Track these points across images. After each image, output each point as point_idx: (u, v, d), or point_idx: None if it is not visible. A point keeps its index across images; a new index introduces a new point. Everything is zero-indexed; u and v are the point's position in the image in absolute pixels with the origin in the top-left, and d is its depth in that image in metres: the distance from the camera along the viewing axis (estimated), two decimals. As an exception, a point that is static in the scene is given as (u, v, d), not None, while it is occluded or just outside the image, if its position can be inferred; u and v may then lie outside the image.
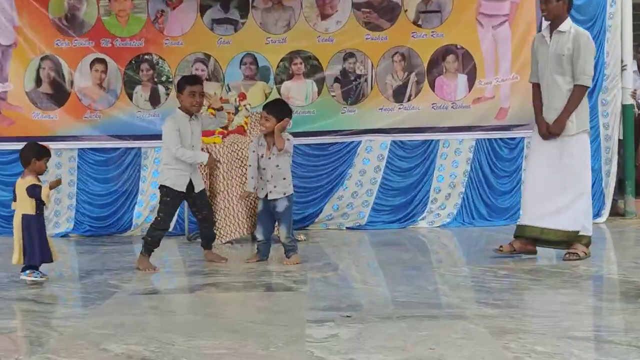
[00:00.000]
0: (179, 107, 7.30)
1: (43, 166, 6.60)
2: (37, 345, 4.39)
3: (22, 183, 6.43)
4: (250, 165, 7.26)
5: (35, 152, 6.55)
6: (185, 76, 8.05)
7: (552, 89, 7.24)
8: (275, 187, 7.09)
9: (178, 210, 7.70)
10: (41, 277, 6.41)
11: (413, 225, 9.77)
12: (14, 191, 6.52)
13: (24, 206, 6.40)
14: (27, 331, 4.74)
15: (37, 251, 6.41)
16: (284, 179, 7.13)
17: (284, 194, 7.12)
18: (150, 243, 7.05)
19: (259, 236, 7.28)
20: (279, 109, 7.16)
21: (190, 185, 7.19)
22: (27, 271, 6.39)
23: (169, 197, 7.14)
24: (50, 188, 6.48)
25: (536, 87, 7.49)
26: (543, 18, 8.13)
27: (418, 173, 9.87)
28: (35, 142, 6.97)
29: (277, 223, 7.32)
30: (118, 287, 6.18)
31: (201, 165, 7.72)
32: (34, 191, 6.36)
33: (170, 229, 7.59)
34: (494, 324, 4.63)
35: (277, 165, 7.09)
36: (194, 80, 7.52)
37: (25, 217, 6.38)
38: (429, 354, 4.04)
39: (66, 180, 9.65)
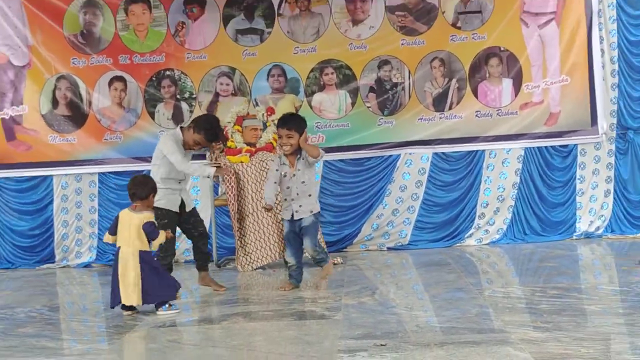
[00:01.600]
0: (181, 135, 7.40)
1: (153, 202, 6.68)
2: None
3: (139, 218, 6.43)
4: (274, 182, 7.24)
5: (152, 187, 6.63)
6: (212, 125, 7.51)
7: None
8: (300, 206, 7.13)
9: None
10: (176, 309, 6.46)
11: (460, 244, 9.72)
12: (116, 223, 6.51)
13: (139, 242, 6.40)
14: (41, 370, 4.80)
15: (167, 285, 6.49)
16: (310, 195, 7.17)
17: (311, 211, 7.15)
18: (167, 269, 7.16)
19: (290, 260, 7.30)
20: (298, 122, 7.23)
21: (182, 204, 7.36)
22: (165, 306, 6.41)
23: (167, 219, 7.20)
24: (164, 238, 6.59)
25: None
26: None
27: (463, 187, 9.83)
28: (149, 175, 7.09)
29: (302, 237, 7.30)
30: (139, 319, 6.21)
31: (232, 176, 7.91)
32: (153, 230, 6.43)
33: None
34: (540, 349, 4.58)
35: (303, 182, 7.13)
36: (214, 137, 7.53)
37: (142, 254, 6.40)
38: (468, 384, 4.00)
39: (87, 207, 9.78)
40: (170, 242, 7.22)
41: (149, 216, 6.48)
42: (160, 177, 7.24)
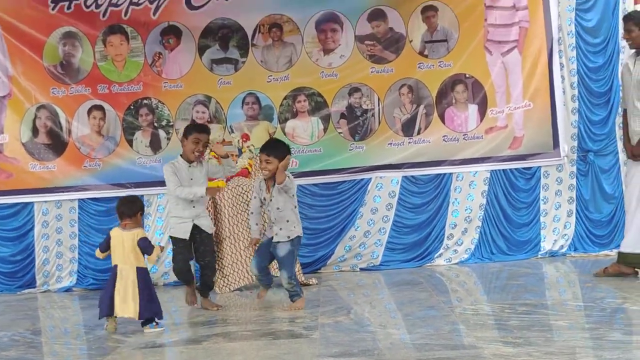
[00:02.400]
0: (181, 154, 7.55)
1: (141, 220, 6.76)
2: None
3: (131, 235, 6.50)
4: (252, 213, 7.35)
5: (140, 206, 6.74)
6: (193, 123, 8.14)
7: (634, 114, 7.74)
8: (280, 229, 7.12)
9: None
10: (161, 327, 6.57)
11: (430, 264, 9.73)
12: (107, 240, 6.58)
13: (136, 260, 6.49)
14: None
15: (157, 302, 6.58)
16: (287, 221, 7.13)
17: (288, 237, 7.13)
18: (184, 281, 7.53)
19: (253, 270, 7.37)
20: (278, 149, 7.21)
21: (196, 228, 7.39)
22: (153, 324, 6.51)
23: (177, 246, 7.41)
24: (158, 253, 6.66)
25: (624, 114, 7.98)
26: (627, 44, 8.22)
27: (432, 208, 9.86)
28: (136, 195, 7.28)
29: (278, 267, 7.33)
30: (121, 341, 6.16)
31: (210, 201, 7.89)
32: (148, 246, 6.50)
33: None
34: (512, 364, 4.58)
35: (278, 208, 7.11)
36: (202, 128, 7.72)
37: (140, 271, 6.49)
38: (445, 398, 4.00)
39: (67, 232, 9.71)
40: (180, 266, 7.46)
41: (141, 232, 6.56)
42: (173, 205, 7.45)
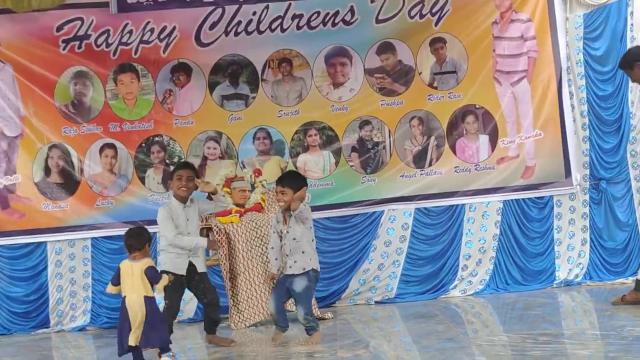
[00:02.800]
0: (174, 195, 7.54)
1: (149, 251, 6.74)
2: None
3: (139, 265, 6.49)
4: (272, 247, 7.30)
5: (148, 238, 6.70)
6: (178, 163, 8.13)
7: None
8: (295, 262, 7.10)
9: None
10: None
11: (444, 295, 9.68)
12: (118, 274, 6.55)
13: (143, 288, 6.46)
14: None
15: (164, 332, 6.56)
16: (303, 252, 7.10)
17: (304, 269, 7.09)
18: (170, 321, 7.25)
19: (270, 308, 7.26)
20: (293, 180, 7.22)
21: (191, 267, 7.35)
22: (170, 353, 6.53)
23: (171, 284, 7.10)
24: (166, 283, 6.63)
25: None
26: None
27: (445, 240, 9.82)
28: (143, 226, 7.15)
29: (295, 302, 7.27)
30: (140, 380, 6.11)
31: (223, 237, 7.90)
32: (156, 274, 6.51)
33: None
34: (539, 395, 4.53)
35: (294, 238, 7.09)
36: (182, 165, 7.82)
37: (148, 299, 6.46)
38: None
39: (80, 271, 9.68)
40: (174, 304, 7.28)
41: (149, 262, 6.55)
42: (166, 243, 7.37)
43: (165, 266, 7.28)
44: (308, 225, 7.17)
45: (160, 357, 6.51)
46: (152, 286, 6.50)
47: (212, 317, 7.55)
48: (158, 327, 6.50)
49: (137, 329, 6.38)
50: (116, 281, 6.58)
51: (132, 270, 6.50)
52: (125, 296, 6.49)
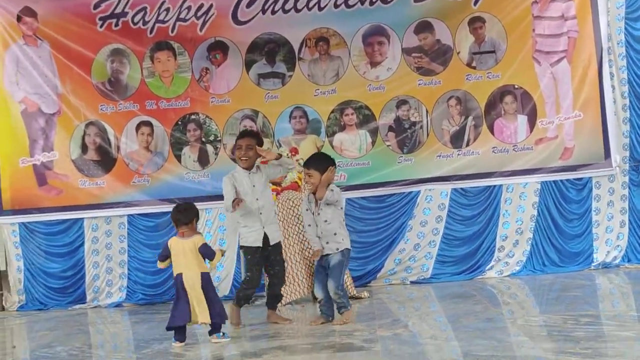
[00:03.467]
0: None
1: (196, 227, 6.80)
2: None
3: (191, 242, 6.55)
4: (309, 225, 7.25)
5: (195, 213, 6.76)
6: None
7: None
8: (327, 243, 7.07)
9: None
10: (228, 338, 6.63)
11: (481, 276, 9.64)
12: (166, 250, 6.62)
13: (198, 265, 6.55)
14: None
15: (222, 306, 6.65)
16: (335, 234, 7.07)
17: (337, 249, 7.06)
18: (242, 298, 7.39)
19: (318, 294, 7.26)
20: (318, 162, 7.22)
21: (267, 238, 7.33)
22: (220, 333, 6.58)
23: (249, 255, 7.34)
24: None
25: None
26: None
27: (482, 221, 9.77)
28: (190, 202, 7.20)
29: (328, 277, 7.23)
30: (181, 355, 6.13)
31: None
32: (210, 251, 6.61)
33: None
34: (586, 375, 4.49)
35: (326, 220, 7.06)
36: (241, 134, 7.78)
37: (204, 275, 6.55)
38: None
39: (117, 248, 9.73)
40: (255, 275, 7.34)
41: (201, 239, 6.62)
42: (239, 215, 7.38)
43: (241, 241, 7.43)
44: (339, 206, 7.16)
45: (210, 335, 6.56)
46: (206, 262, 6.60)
47: (274, 290, 7.52)
48: (219, 301, 6.61)
49: (199, 305, 6.44)
50: (163, 257, 6.65)
51: (183, 247, 6.55)
52: (180, 273, 6.54)
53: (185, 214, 6.66)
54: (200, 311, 6.44)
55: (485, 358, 5.19)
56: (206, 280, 6.54)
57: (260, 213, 7.32)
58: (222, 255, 6.72)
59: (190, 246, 6.54)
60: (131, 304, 9.70)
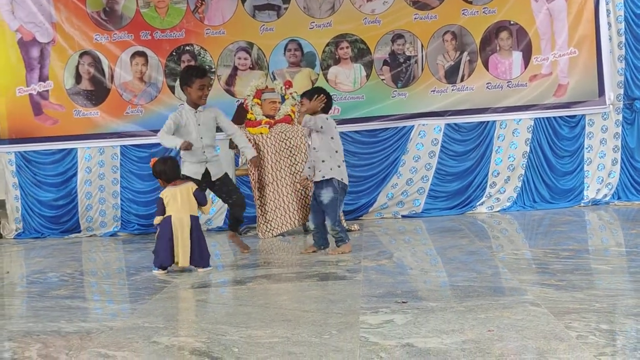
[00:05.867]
0: (188, 102, 7.48)
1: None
2: (88, 340, 4.52)
3: (185, 188, 6.70)
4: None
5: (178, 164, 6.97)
6: (190, 67, 7.88)
7: None
8: (319, 170, 7.19)
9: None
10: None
11: (471, 211, 9.81)
12: (161, 204, 6.69)
13: (190, 208, 6.67)
14: (78, 327, 4.88)
15: (207, 250, 6.80)
16: (323, 161, 7.17)
17: (323, 177, 7.16)
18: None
19: (310, 224, 7.41)
20: (310, 92, 7.33)
21: (208, 174, 7.51)
22: (208, 267, 6.78)
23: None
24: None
25: None
26: None
27: (475, 157, 9.90)
28: (174, 157, 7.22)
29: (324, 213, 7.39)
30: (168, 282, 6.31)
31: (252, 146, 8.14)
32: (203, 197, 6.79)
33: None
34: (556, 305, 4.64)
35: (315, 148, 7.20)
36: (203, 73, 7.54)
37: (193, 218, 6.69)
38: (488, 336, 4.07)
39: (109, 178, 9.89)
40: None
41: (193, 185, 6.78)
42: (183, 153, 7.44)
43: (184, 172, 7.34)
44: (328, 136, 7.15)
45: (196, 269, 6.74)
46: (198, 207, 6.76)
47: (236, 216, 7.77)
48: (203, 247, 6.72)
49: (183, 248, 6.57)
50: (161, 212, 6.71)
51: (178, 193, 6.67)
52: (170, 215, 6.65)
53: (175, 171, 6.81)
54: (183, 254, 6.58)
55: (461, 288, 5.35)
56: (195, 224, 6.67)
57: (204, 152, 7.44)
58: (211, 204, 6.94)
59: (183, 191, 6.68)
60: (126, 233, 9.90)
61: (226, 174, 7.73)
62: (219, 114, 7.62)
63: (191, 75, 7.41)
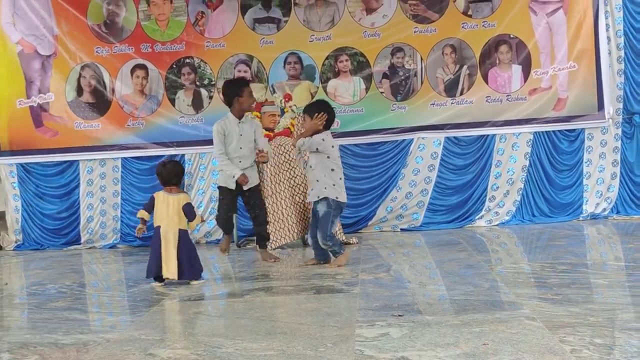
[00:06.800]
0: (232, 111, 7.84)
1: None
2: (84, 352, 4.54)
3: (177, 199, 6.74)
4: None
5: (183, 170, 7.00)
6: (234, 80, 8.35)
7: None
8: (312, 189, 7.22)
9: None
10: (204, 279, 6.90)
11: (470, 225, 9.82)
12: (151, 202, 6.79)
13: (178, 222, 6.73)
14: (75, 339, 4.90)
15: (198, 263, 6.84)
16: (317, 181, 7.17)
17: (318, 197, 7.18)
18: (224, 229, 8.17)
19: (309, 240, 7.46)
20: (311, 107, 7.33)
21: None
22: (201, 279, 6.82)
23: (222, 196, 7.90)
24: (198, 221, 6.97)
25: None
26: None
27: (474, 170, 9.92)
28: (177, 162, 7.32)
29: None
30: (165, 294, 6.33)
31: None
32: (192, 212, 6.79)
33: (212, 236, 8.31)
34: (552, 319, 4.66)
35: (311, 166, 7.21)
36: (248, 81, 8.22)
37: (182, 232, 6.74)
38: (483, 349, 4.09)
39: (110, 190, 9.92)
40: (222, 215, 8.03)
41: (186, 198, 6.82)
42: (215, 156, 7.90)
43: (219, 181, 7.90)
44: (324, 155, 7.13)
45: (189, 282, 6.76)
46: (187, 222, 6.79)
47: (258, 231, 7.97)
48: (193, 260, 6.75)
49: (169, 260, 6.61)
50: (149, 209, 6.80)
51: (168, 202, 6.73)
52: (159, 226, 6.71)
53: (174, 176, 6.83)
54: (169, 267, 6.62)
55: (458, 302, 5.37)
56: (183, 238, 6.71)
57: (240, 161, 7.75)
58: (202, 221, 6.95)
59: (175, 202, 6.72)
60: (125, 246, 9.93)
61: (257, 186, 7.96)
62: (257, 128, 7.98)
63: (240, 85, 7.85)
